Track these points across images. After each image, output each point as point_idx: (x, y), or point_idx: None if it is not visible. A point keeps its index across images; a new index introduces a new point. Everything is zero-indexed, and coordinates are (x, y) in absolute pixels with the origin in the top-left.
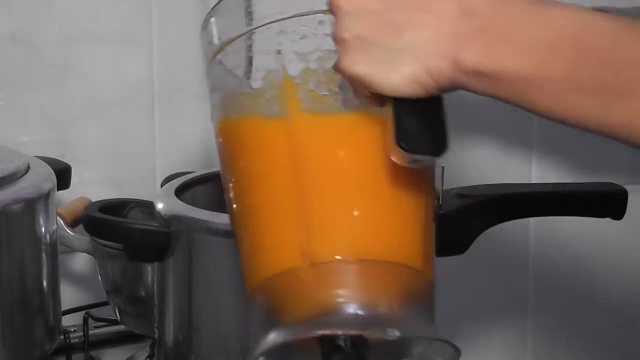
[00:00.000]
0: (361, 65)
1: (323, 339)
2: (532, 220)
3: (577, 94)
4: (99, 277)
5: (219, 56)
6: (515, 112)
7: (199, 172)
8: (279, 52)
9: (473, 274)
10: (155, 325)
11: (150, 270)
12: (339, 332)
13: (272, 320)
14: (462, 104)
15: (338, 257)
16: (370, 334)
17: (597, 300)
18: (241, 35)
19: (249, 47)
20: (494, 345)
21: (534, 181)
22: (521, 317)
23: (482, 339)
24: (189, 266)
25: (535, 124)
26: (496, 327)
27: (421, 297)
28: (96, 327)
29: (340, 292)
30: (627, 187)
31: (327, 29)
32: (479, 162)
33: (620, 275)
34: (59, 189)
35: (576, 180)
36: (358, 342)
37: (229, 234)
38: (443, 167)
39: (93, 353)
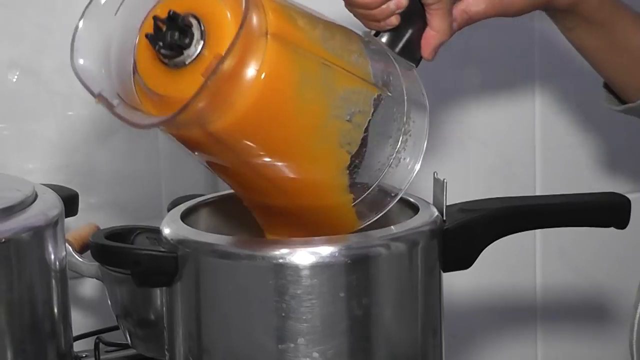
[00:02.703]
0: None
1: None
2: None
3: None
4: (109, 302)
5: None
6: (518, 124)
7: (204, 196)
8: None
9: (481, 286)
10: (166, 347)
11: (159, 294)
12: None
13: None
14: (465, 117)
15: None
16: None
17: (605, 308)
18: None
19: None
20: (503, 356)
21: (538, 192)
22: (530, 327)
23: (492, 351)
24: (196, 289)
25: (538, 135)
26: (505, 338)
27: None
28: (107, 351)
29: None
30: (631, 196)
31: None
32: (483, 174)
33: (628, 282)
34: (66, 215)
35: (580, 190)
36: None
37: (235, 256)
38: (445, 182)
39: None
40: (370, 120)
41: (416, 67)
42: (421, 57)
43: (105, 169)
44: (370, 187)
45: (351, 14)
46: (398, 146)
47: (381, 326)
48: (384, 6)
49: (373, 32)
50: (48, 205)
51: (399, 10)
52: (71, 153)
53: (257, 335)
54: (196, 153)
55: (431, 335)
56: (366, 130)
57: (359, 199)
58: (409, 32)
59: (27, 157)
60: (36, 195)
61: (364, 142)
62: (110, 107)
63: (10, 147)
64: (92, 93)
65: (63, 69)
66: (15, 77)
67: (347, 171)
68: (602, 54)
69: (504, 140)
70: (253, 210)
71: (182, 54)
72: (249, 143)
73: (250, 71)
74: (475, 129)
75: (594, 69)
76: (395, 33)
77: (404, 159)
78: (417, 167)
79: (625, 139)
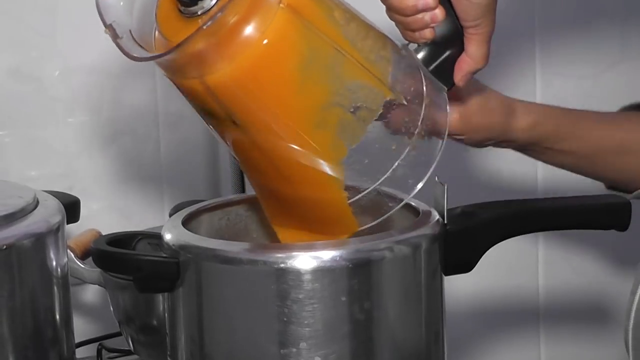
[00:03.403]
0: None
1: None
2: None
3: None
4: (111, 308)
5: None
6: None
7: (205, 201)
8: None
9: (484, 288)
10: (168, 353)
11: (161, 299)
12: None
13: None
14: None
15: None
16: None
17: (608, 310)
18: None
19: None
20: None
21: (540, 196)
22: (533, 329)
23: (495, 353)
24: (198, 295)
25: None
26: (508, 340)
27: None
28: (110, 358)
29: None
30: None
31: None
32: (485, 178)
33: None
34: (68, 222)
35: (583, 192)
36: None
37: (237, 261)
38: (445, 186)
39: None
40: (376, 120)
41: (448, 90)
42: (453, 83)
43: (107, 175)
44: (367, 189)
45: (393, 23)
46: (402, 157)
47: (383, 330)
48: (419, 16)
49: (413, 46)
50: (49, 212)
51: (434, 24)
52: (73, 159)
53: (259, 340)
54: (200, 113)
55: (433, 339)
56: (370, 129)
57: (354, 199)
58: (446, 53)
59: (29, 164)
60: (37, 202)
61: (365, 141)
62: (115, 37)
63: (12, 154)
64: (104, 22)
65: (64, 75)
66: (16, 83)
67: (344, 166)
68: (584, 165)
69: None
70: (256, 191)
71: (197, 4)
72: (243, 105)
73: (254, 32)
74: None
75: (586, 176)
76: (433, 51)
77: (406, 171)
78: (419, 185)
79: None
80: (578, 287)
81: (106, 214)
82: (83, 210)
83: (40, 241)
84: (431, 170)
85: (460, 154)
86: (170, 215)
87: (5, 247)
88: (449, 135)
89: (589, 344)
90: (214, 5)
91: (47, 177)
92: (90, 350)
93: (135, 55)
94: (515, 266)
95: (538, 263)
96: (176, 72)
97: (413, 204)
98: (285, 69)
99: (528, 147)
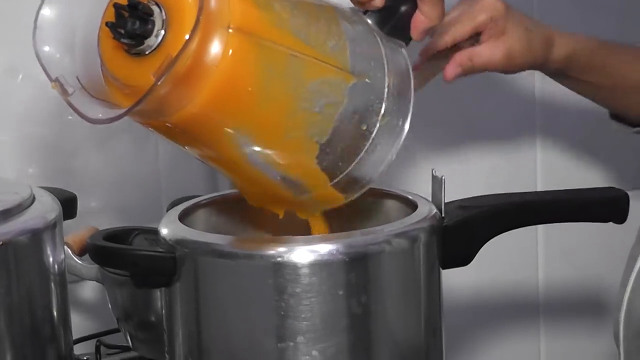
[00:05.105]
0: None
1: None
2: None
3: None
4: (109, 305)
5: None
6: (518, 122)
7: (203, 196)
8: None
9: (484, 283)
10: (166, 349)
11: (159, 295)
12: None
13: None
14: (466, 116)
15: None
16: None
17: (607, 304)
18: None
19: None
20: (507, 355)
21: (539, 188)
22: (533, 323)
23: (495, 347)
24: (195, 289)
25: (539, 134)
26: (509, 334)
27: None
28: (109, 354)
29: None
30: (632, 193)
31: None
32: (484, 173)
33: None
34: (65, 218)
35: (581, 185)
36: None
37: (234, 255)
38: (443, 179)
39: None
40: (343, 109)
41: (406, 45)
42: (411, 38)
43: (104, 172)
44: (343, 173)
45: None
46: (373, 135)
47: (380, 324)
48: None
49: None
50: (46, 208)
51: None
52: (70, 157)
53: (256, 334)
54: (167, 137)
55: (431, 333)
56: (338, 119)
57: (334, 182)
58: (400, 10)
59: (26, 161)
60: (34, 198)
61: (335, 131)
62: (65, 94)
63: (9, 152)
64: (49, 77)
65: None
66: (19, 79)
67: (317, 160)
68: (603, 95)
69: (505, 139)
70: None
71: (143, 43)
72: (209, 133)
73: (211, 67)
74: (476, 127)
75: (602, 105)
76: (386, 12)
77: (379, 145)
78: (394, 152)
79: (627, 136)
80: (578, 281)
81: (104, 211)
82: (81, 208)
83: (37, 237)
84: (404, 134)
85: (458, 148)
86: (168, 210)
87: (1, 243)
88: (489, 69)
89: (589, 337)
90: (160, 42)
91: (45, 174)
92: (88, 346)
93: (88, 116)
94: (514, 260)
95: (538, 257)
96: (135, 116)
97: (410, 197)
98: (246, 92)
99: (559, 73)
